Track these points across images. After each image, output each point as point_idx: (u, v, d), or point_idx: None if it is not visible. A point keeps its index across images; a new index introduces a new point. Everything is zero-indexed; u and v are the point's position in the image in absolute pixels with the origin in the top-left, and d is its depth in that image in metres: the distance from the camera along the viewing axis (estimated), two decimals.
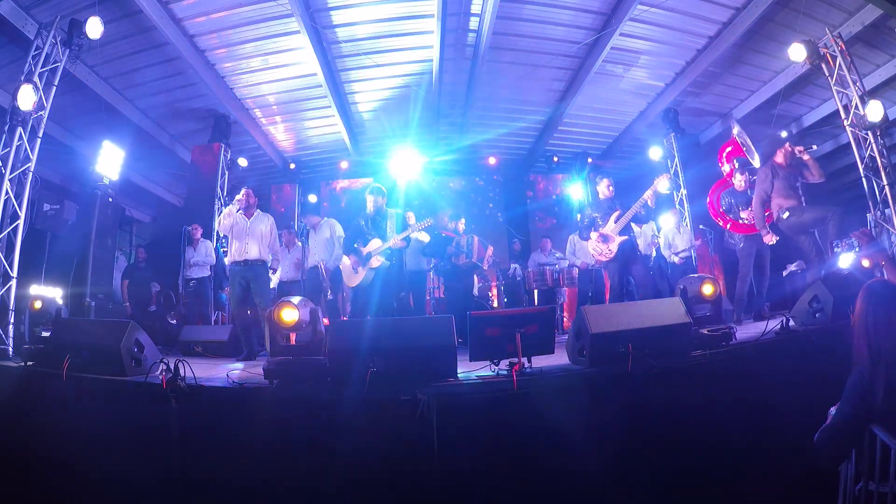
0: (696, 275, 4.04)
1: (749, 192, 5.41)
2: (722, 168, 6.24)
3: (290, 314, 2.99)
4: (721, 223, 5.82)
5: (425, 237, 5.77)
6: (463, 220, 6.58)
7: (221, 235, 6.44)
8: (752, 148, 5.87)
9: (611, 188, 5.16)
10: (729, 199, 5.57)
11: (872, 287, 1.83)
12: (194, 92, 7.28)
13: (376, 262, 4.77)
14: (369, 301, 4.82)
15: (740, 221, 5.46)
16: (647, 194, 4.87)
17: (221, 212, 5.80)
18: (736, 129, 6.11)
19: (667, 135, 8.40)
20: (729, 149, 6.24)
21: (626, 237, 5.04)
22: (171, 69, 6.69)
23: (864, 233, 3.37)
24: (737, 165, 5.98)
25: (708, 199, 5.97)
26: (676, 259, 6.84)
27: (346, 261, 5.08)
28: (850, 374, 1.74)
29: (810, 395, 2.30)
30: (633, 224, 5.10)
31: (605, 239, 5.04)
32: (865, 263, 3.58)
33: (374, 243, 4.81)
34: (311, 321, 3.14)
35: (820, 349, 3.13)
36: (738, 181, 5.53)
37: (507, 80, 7.47)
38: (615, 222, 5.01)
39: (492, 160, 9.92)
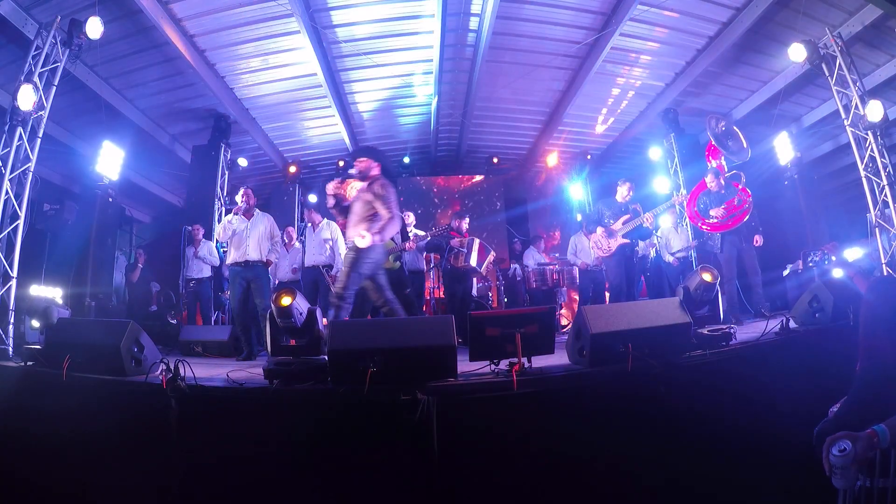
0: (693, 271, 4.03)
1: (722, 191, 5.34)
2: (709, 167, 6.09)
3: (286, 298, 2.98)
4: (698, 225, 5.70)
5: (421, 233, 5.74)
6: (467, 220, 6.53)
7: (222, 242, 6.41)
8: (743, 141, 5.70)
9: (630, 194, 5.37)
10: (705, 199, 5.44)
11: (884, 283, 1.86)
12: (194, 92, 7.27)
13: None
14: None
15: (709, 220, 5.36)
16: (650, 213, 5.19)
17: (222, 218, 5.76)
18: (715, 125, 5.96)
19: (667, 135, 8.40)
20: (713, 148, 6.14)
21: (627, 241, 5.16)
22: (171, 69, 6.68)
23: (835, 246, 3.42)
24: (724, 163, 5.85)
25: (687, 201, 5.86)
26: (672, 259, 6.78)
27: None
28: (859, 368, 1.75)
29: (810, 394, 2.31)
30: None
31: (609, 234, 5.18)
32: (839, 274, 3.60)
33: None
34: (310, 321, 3.13)
35: (820, 349, 3.14)
36: (710, 181, 5.42)
37: (507, 79, 7.47)
38: (623, 224, 5.20)
39: (492, 160, 9.93)
